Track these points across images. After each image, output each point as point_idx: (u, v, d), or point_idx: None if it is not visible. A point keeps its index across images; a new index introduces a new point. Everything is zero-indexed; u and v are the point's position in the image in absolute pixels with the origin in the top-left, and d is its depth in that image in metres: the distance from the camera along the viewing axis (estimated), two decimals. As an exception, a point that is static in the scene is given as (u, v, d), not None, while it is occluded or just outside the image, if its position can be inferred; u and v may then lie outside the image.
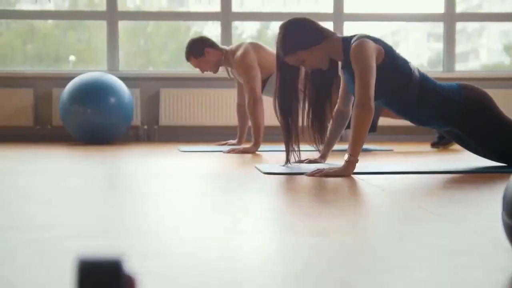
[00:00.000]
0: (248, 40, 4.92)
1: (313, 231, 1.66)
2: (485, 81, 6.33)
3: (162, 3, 7.38)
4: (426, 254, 1.41)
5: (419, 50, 8.15)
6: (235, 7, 6.50)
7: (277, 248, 1.49)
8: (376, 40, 3.13)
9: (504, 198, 1.26)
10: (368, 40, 3.08)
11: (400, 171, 3.07)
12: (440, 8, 6.51)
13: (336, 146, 3.56)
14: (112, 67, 6.32)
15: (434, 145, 4.92)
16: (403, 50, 8.55)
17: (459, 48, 6.87)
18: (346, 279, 1.20)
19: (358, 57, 3.02)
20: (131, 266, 1.26)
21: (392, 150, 4.91)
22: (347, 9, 6.44)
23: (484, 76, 6.52)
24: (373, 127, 4.88)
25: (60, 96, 5.66)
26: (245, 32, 7.49)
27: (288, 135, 3.29)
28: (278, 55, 3.24)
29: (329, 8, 6.47)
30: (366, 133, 2.98)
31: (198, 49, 4.87)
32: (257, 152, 4.58)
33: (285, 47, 3.17)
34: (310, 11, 6.88)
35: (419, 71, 3.19)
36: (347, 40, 3.16)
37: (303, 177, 2.90)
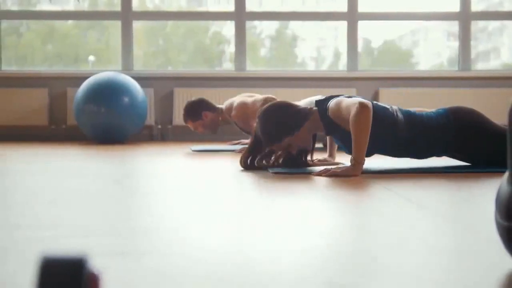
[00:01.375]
0: (238, 96, 4.92)
1: (315, 232, 1.66)
2: (504, 80, 6.27)
3: (181, 3, 7.40)
4: (422, 253, 1.40)
5: (439, 49, 8.10)
6: (254, 7, 6.50)
7: (276, 248, 1.49)
8: (349, 97, 3.11)
9: (497, 199, 1.25)
10: (342, 97, 3.08)
11: (407, 169, 3.06)
12: (455, 7, 6.46)
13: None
14: (127, 67, 6.35)
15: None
16: (423, 49, 8.49)
17: (480, 47, 6.82)
18: (334, 279, 1.19)
19: (339, 107, 3.03)
20: (96, 264, 1.27)
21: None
22: (361, 8, 6.42)
23: (502, 75, 6.46)
24: None
25: (75, 96, 5.70)
26: (263, 32, 7.50)
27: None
28: (263, 143, 3.18)
29: (343, 7, 6.45)
30: (368, 132, 2.93)
31: (196, 112, 4.95)
32: (268, 152, 4.57)
33: (270, 136, 3.15)
34: (324, 10, 6.85)
35: (401, 111, 3.14)
36: (321, 106, 3.14)
37: (310, 176, 2.90)
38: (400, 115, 3.11)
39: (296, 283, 1.16)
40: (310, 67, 7.54)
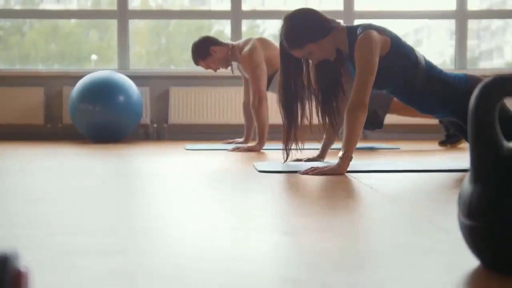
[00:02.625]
0: (256, 36, 4.91)
1: (285, 230, 1.66)
2: None
3: (184, 2, 7.40)
4: (397, 253, 1.40)
5: (442, 48, 8.08)
6: (256, 6, 6.48)
7: (256, 245, 1.49)
8: (381, 30, 3.07)
9: (460, 198, 1.24)
10: (373, 31, 3.03)
11: (394, 170, 3.05)
12: (452, 6, 6.45)
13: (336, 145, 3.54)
14: (123, 66, 6.35)
15: (442, 143, 4.88)
16: (426, 48, 8.47)
17: (483, 45, 6.78)
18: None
19: (361, 51, 2.98)
20: (24, 261, 1.27)
21: (399, 148, 4.88)
22: (358, 6, 6.41)
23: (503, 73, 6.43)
24: (379, 124, 4.85)
25: (70, 95, 5.70)
26: (266, 31, 7.49)
27: (289, 131, 3.26)
28: (282, 49, 3.19)
29: (339, 6, 6.44)
30: (360, 131, 2.96)
31: (204, 50, 4.87)
32: (261, 151, 4.57)
33: (292, 40, 3.10)
34: (320, 9, 6.84)
35: (425, 60, 3.14)
36: (352, 30, 3.11)
37: (297, 175, 2.90)
38: (423, 62, 3.10)
39: (256, 279, 1.16)
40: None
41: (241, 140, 5.28)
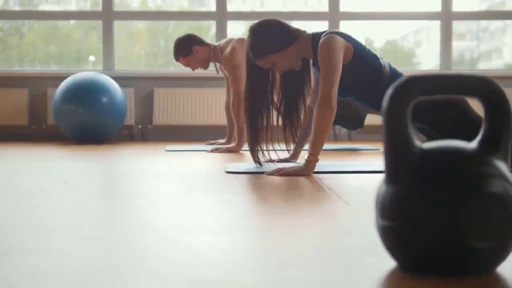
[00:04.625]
0: (236, 37, 4.91)
1: (219, 230, 1.66)
2: (506, 80, 6.23)
3: (183, 3, 7.40)
4: (305, 252, 1.40)
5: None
6: (256, 7, 6.48)
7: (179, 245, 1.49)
8: (346, 37, 3.09)
9: (376, 199, 1.24)
10: (337, 36, 3.04)
11: (360, 171, 3.05)
12: (437, 7, 6.45)
13: (326, 146, 3.53)
14: (107, 67, 6.35)
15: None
16: (425, 49, 8.46)
17: (482, 47, 6.78)
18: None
19: (324, 53, 2.99)
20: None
21: (379, 149, 4.88)
22: (343, 7, 6.41)
23: (503, 74, 6.43)
24: (360, 123, 4.84)
25: (53, 96, 5.70)
26: None
27: (255, 137, 3.25)
28: (248, 59, 3.21)
29: (324, 7, 6.44)
30: (327, 132, 2.95)
31: (186, 47, 4.87)
32: (241, 151, 4.57)
33: (256, 51, 3.14)
34: (306, 10, 6.85)
35: (391, 67, 3.15)
36: (316, 37, 3.13)
37: (263, 176, 2.90)
38: (388, 69, 3.11)
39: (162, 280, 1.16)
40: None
41: (223, 141, 5.29)
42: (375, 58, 3.13)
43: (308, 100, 3.37)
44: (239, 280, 1.18)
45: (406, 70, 6.64)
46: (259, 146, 3.24)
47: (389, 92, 1.19)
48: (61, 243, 1.51)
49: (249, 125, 3.24)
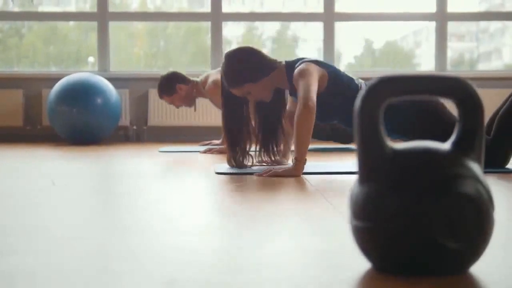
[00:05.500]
0: (215, 70, 4.94)
1: (191, 230, 1.66)
2: (505, 81, 6.23)
3: (183, 4, 7.40)
4: (297, 253, 1.40)
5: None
6: (256, 8, 6.48)
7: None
8: (319, 63, 3.11)
9: (349, 199, 1.24)
10: (311, 63, 3.07)
11: (351, 172, 3.06)
12: (432, 8, 6.45)
13: (320, 146, 3.53)
14: (103, 68, 6.36)
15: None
16: (425, 50, 8.46)
17: (482, 48, 6.78)
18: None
19: (300, 77, 3.01)
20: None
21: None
22: (338, 8, 6.41)
23: (503, 75, 6.43)
24: (350, 138, 4.84)
25: (48, 97, 5.71)
26: (265, 33, 7.50)
27: (239, 160, 3.23)
28: (223, 87, 3.20)
29: (319, 8, 6.45)
30: (310, 132, 2.95)
31: (170, 87, 4.92)
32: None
33: (230, 79, 3.13)
34: (301, 11, 6.85)
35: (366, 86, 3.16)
36: (291, 65, 3.14)
37: (252, 177, 2.90)
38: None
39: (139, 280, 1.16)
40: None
41: (218, 141, 5.30)
42: (350, 80, 3.16)
43: (287, 107, 3.36)
44: (215, 280, 1.18)
45: (406, 71, 6.72)
46: (236, 161, 3.22)
47: (361, 93, 1.19)
48: (34, 243, 1.52)
49: (230, 150, 3.21)
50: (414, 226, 1.14)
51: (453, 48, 7.68)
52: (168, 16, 6.85)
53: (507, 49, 8.54)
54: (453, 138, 1.23)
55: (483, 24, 6.67)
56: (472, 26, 8.53)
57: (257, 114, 3.28)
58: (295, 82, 3.02)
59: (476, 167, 1.20)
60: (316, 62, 3.09)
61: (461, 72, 6.48)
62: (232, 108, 3.20)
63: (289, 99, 3.36)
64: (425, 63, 8.41)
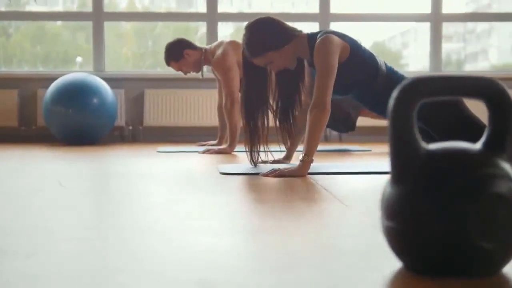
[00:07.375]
0: (227, 39, 4.91)
1: (209, 232, 1.66)
2: None
3: (171, 4, 7.38)
4: (328, 254, 1.40)
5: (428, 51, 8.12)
6: (263, 9, 6.47)
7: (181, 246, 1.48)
8: (342, 36, 3.11)
9: (381, 200, 1.24)
10: (333, 35, 3.06)
11: (355, 172, 3.06)
12: (427, 9, 6.47)
13: (320, 147, 3.53)
14: (98, 68, 6.33)
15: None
16: (413, 51, 8.47)
17: (468, 48, 6.81)
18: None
19: (320, 54, 3.01)
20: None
21: (370, 150, 4.89)
22: (334, 9, 6.42)
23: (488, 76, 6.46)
24: (352, 126, 4.86)
25: (43, 97, 5.67)
26: None
27: (252, 137, 3.26)
28: (244, 58, 3.21)
29: (315, 8, 6.45)
30: (321, 134, 2.97)
31: (177, 52, 4.86)
32: (233, 153, 4.57)
33: (253, 49, 3.14)
34: (294, 11, 6.86)
35: (386, 65, 3.19)
36: (312, 36, 3.14)
37: (258, 177, 2.90)
38: (384, 67, 3.14)
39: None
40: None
41: (214, 142, 5.29)
42: (371, 56, 3.15)
43: (303, 97, 3.37)
44: (234, 281, 1.18)
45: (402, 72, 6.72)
46: (256, 147, 3.24)
47: (395, 93, 1.19)
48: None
49: (246, 124, 3.23)
50: (448, 227, 1.14)
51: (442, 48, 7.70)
52: (164, 16, 6.83)
53: (494, 50, 8.59)
54: (484, 138, 1.23)
55: (470, 25, 6.70)
56: (459, 27, 8.56)
57: (278, 85, 3.27)
58: (315, 56, 3.02)
59: (507, 167, 1.20)
60: (337, 34, 3.09)
61: (449, 73, 6.49)
62: (252, 79, 3.21)
63: (303, 93, 3.33)
64: (413, 64, 8.44)
